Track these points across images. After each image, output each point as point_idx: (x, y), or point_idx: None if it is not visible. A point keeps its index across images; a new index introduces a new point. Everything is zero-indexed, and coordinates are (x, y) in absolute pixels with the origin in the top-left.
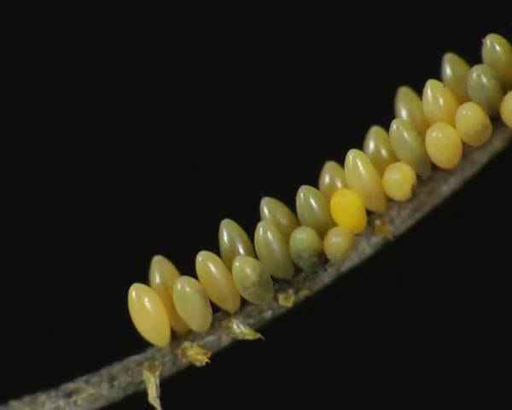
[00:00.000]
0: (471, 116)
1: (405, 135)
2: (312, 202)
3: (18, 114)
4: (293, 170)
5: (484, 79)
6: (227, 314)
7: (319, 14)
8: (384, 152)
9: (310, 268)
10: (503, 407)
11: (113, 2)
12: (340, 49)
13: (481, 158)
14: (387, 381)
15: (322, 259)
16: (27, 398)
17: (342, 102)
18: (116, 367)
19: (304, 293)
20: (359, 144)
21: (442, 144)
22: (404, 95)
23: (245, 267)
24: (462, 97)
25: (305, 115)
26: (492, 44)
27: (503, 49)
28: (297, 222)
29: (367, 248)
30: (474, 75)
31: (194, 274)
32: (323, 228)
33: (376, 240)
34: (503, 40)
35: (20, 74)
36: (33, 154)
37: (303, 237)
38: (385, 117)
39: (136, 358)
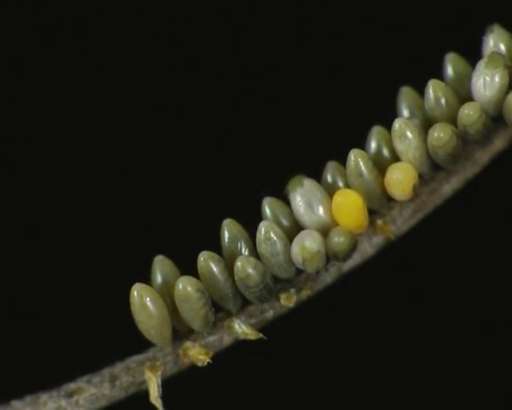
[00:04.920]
0: (473, 116)
1: (408, 134)
2: None
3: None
4: (295, 170)
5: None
6: (229, 314)
7: (321, 15)
8: (386, 152)
9: (313, 272)
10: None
11: (114, 3)
12: (342, 49)
13: (483, 158)
14: (389, 381)
15: (325, 262)
16: (29, 398)
17: (344, 102)
18: (118, 367)
19: (306, 293)
20: (361, 144)
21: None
22: (406, 94)
23: (247, 267)
24: (463, 97)
25: (307, 115)
26: (496, 42)
27: (506, 46)
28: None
29: (368, 248)
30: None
31: (195, 274)
32: (325, 228)
33: (378, 240)
34: (506, 35)
35: (31, 81)
36: (36, 155)
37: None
38: (387, 117)
39: (138, 358)
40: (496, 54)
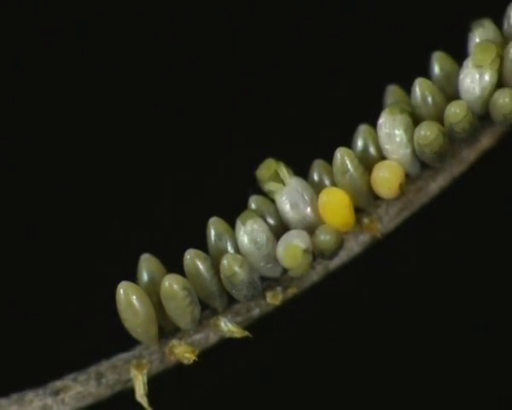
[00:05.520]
0: (459, 114)
1: (394, 132)
2: None
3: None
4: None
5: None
6: (215, 312)
7: (314, 16)
8: (372, 150)
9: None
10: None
11: (114, 3)
12: (330, 49)
13: (469, 156)
14: (380, 378)
15: (311, 264)
16: (15, 396)
17: (330, 101)
18: (104, 365)
19: (292, 291)
20: (348, 143)
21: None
22: (392, 92)
23: (233, 265)
24: (450, 95)
25: (295, 114)
26: (482, 38)
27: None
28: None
29: (355, 246)
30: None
31: (182, 272)
32: (311, 226)
33: (364, 238)
34: (491, 30)
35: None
36: (36, 156)
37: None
38: (374, 115)
39: (124, 356)
40: (488, 42)
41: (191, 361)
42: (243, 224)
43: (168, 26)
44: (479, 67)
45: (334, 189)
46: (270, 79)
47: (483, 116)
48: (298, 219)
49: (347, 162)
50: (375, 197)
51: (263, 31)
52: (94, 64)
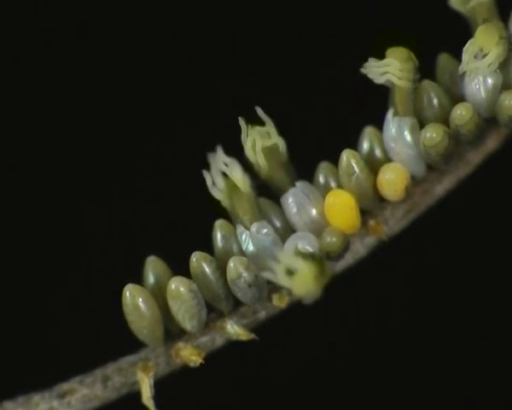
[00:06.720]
0: (465, 116)
1: (401, 134)
2: None
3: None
4: None
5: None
6: (221, 315)
7: (314, 15)
8: (378, 152)
9: None
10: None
11: (114, 3)
12: (338, 50)
13: (475, 158)
14: (381, 381)
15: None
16: (21, 399)
17: (336, 103)
18: (110, 368)
19: None
20: (354, 145)
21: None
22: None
23: (239, 268)
24: (456, 97)
25: (300, 116)
26: None
27: None
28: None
29: (361, 248)
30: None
31: (188, 275)
32: (318, 228)
33: (370, 240)
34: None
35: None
36: (33, 156)
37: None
38: (379, 117)
39: (130, 358)
40: (490, 25)
41: (197, 364)
42: (248, 226)
43: (168, 26)
44: (481, 50)
45: (340, 191)
46: (273, 81)
47: (489, 119)
48: (304, 221)
49: (353, 164)
50: (381, 200)
51: (265, 31)
52: (94, 64)
